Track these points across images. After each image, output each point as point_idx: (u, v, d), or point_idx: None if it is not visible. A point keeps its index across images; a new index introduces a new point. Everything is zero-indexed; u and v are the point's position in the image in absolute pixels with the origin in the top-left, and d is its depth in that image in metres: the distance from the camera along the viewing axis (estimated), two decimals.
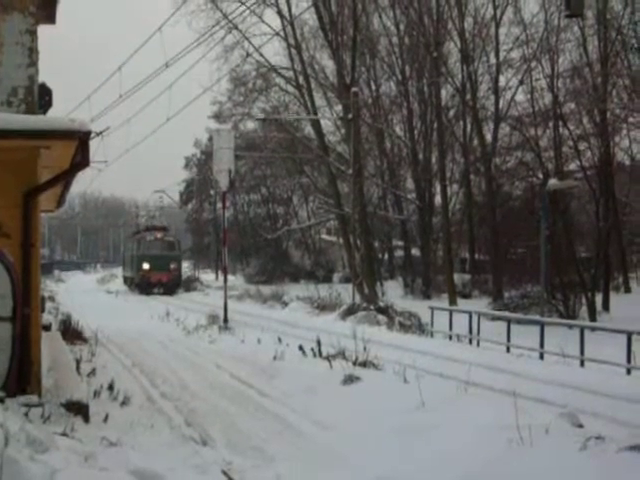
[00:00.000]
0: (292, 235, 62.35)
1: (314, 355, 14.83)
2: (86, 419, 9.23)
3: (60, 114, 11.40)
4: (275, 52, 43.39)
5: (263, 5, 36.99)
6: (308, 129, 46.39)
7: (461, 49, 39.95)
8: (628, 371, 16.03)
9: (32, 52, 9.96)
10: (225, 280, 27.09)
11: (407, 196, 48.27)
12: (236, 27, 36.21)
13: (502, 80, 40.84)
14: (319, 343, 15.03)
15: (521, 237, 36.75)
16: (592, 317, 29.38)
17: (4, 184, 9.10)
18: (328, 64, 43.06)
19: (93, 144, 11.12)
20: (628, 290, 37.97)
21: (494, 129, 41.17)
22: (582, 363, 17.16)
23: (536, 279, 27.30)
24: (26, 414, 8.19)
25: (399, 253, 53.92)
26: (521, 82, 38.97)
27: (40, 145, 8.86)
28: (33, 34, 9.99)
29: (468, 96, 40.14)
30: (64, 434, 7.78)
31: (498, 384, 13.26)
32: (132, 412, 10.67)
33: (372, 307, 27.18)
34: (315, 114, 40.32)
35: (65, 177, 9.80)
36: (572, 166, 36.31)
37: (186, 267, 62.98)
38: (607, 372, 15.66)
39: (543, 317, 22.91)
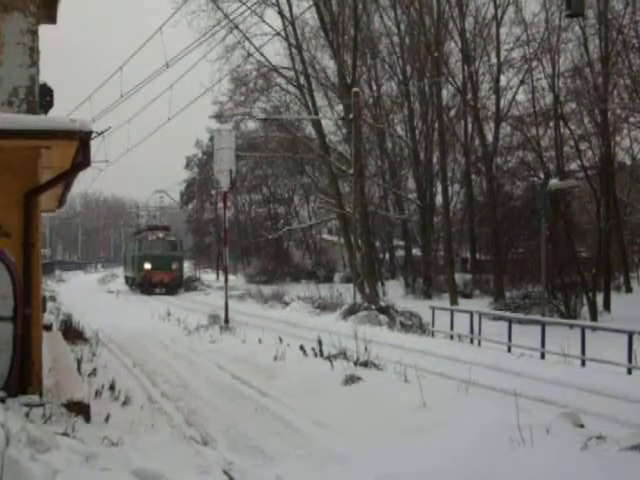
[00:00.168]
0: (293, 235, 62.36)
1: (315, 355, 14.82)
2: (87, 419, 9.23)
3: (62, 113, 11.42)
4: (276, 52, 43.28)
5: (264, 5, 37.02)
6: (309, 129, 46.42)
7: (462, 49, 39.97)
8: (629, 371, 16.01)
9: (33, 52, 9.96)
10: (226, 280, 27.08)
11: (408, 196, 48.27)
12: (237, 27, 36.26)
13: (503, 80, 41.00)
14: (320, 343, 15.02)
15: (522, 237, 36.80)
16: (593, 317, 29.37)
17: (5, 184, 9.10)
18: (329, 64, 43.15)
19: (94, 144, 11.11)
20: (629, 290, 37.95)
21: (495, 129, 41.20)
22: (583, 363, 17.15)
23: (537, 279, 27.30)
24: (27, 414, 8.19)
25: (400, 253, 53.92)
26: (522, 82, 39.00)
27: (41, 145, 8.85)
28: (34, 34, 10.00)
29: (469, 96, 40.16)
30: (65, 434, 7.78)
31: (499, 384, 13.25)
32: (133, 412, 10.67)
33: (373, 307, 27.18)
34: (316, 114, 40.32)
35: (66, 177, 9.79)
36: (573, 166, 36.37)
37: (187, 267, 62.94)
38: (608, 372, 15.65)
39: (544, 317, 22.90)
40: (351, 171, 34.31)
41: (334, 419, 10.25)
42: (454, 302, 34.27)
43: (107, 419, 9.60)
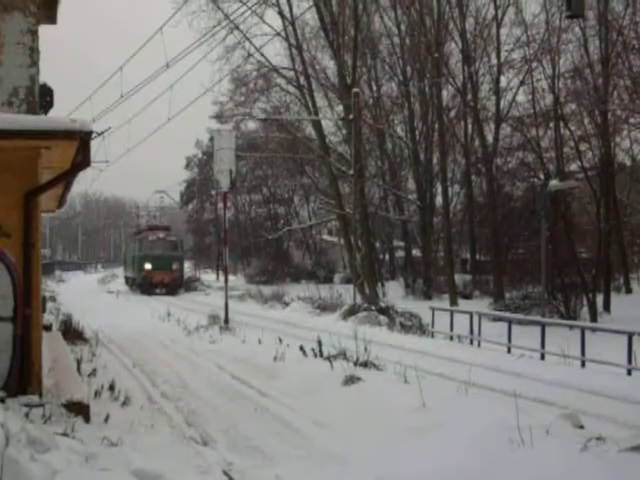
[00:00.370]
0: (293, 235, 62.36)
1: (315, 355, 14.81)
2: (87, 419, 9.23)
3: (62, 114, 11.42)
4: (276, 52, 43.38)
5: (264, 5, 37.03)
6: (309, 129, 46.42)
7: (462, 50, 39.98)
8: (629, 372, 16.00)
9: (33, 52, 9.97)
10: (226, 280, 27.08)
11: (408, 197, 48.27)
12: (237, 27, 36.29)
13: (503, 81, 40.98)
14: (320, 343, 15.01)
15: (522, 238, 36.81)
16: (593, 318, 29.38)
17: (5, 184, 9.10)
18: (329, 64, 43.15)
19: (94, 144, 11.11)
20: (629, 291, 37.95)
21: (495, 130, 41.19)
22: (583, 364, 17.15)
23: (537, 280, 27.30)
24: (27, 414, 8.19)
25: (400, 254, 53.92)
26: (522, 83, 39.00)
27: (41, 145, 8.85)
28: (34, 34, 10.00)
29: (469, 97, 40.16)
30: (65, 434, 7.78)
31: (499, 385, 13.25)
32: (133, 412, 10.67)
33: (373, 307, 27.19)
34: (316, 114, 40.32)
35: (66, 177, 9.79)
36: (573, 167, 36.37)
37: (187, 267, 62.93)
38: (608, 373, 15.65)
39: (544, 318, 22.90)
40: (351, 172, 34.32)
41: (334, 419, 10.25)
42: (454, 303, 34.27)
43: (107, 419, 9.59)
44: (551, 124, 35.88)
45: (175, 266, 48.94)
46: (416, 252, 48.63)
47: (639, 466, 6.61)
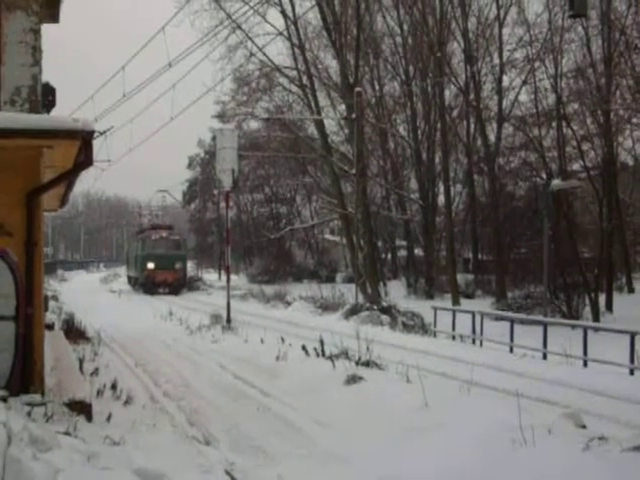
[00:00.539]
0: (295, 235, 62.34)
1: (317, 355, 14.81)
2: (89, 418, 9.24)
3: (64, 113, 11.42)
4: (279, 52, 43.48)
5: (267, 5, 37.06)
6: (311, 129, 46.41)
7: (465, 49, 39.94)
8: (631, 372, 15.98)
9: (36, 51, 9.97)
10: (228, 280, 27.08)
11: (410, 196, 48.23)
12: (239, 27, 36.29)
13: (506, 80, 40.96)
14: (322, 343, 15.01)
15: (524, 237, 36.81)
16: (595, 317, 29.33)
17: (7, 183, 9.10)
18: (332, 64, 43.13)
19: (97, 143, 11.13)
20: (631, 290, 37.88)
21: (497, 129, 41.19)
22: (585, 363, 17.14)
23: (539, 279, 27.27)
24: (29, 413, 8.20)
25: (402, 253, 53.91)
26: (524, 82, 38.99)
27: (43, 144, 8.85)
28: (37, 33, 10.00)
29: (472, 96, 40.11)
30: (67, 433, 7.78)
31: (501, 384, 13.24)
32: (135, 411, 10.68)
33: (375, 307, 27.18)
34: (319, 114, 40.31)
35: (68, 176, 9.79)
36: (575, 166, 36.30)
37: (189, 267, 62.94)
38: (610, 373, 15.63)
39: (546, 317, 22.89)
40: (353, 171, 34.28)
41: (336, 419, 10.24)
42: (456, 302, 34.24)
43: (109, 418, 9.60)
44: (553, 124, 35.84)
45: (178, 265, 48.68)
46: (418, 251, 48.61)
47: None
